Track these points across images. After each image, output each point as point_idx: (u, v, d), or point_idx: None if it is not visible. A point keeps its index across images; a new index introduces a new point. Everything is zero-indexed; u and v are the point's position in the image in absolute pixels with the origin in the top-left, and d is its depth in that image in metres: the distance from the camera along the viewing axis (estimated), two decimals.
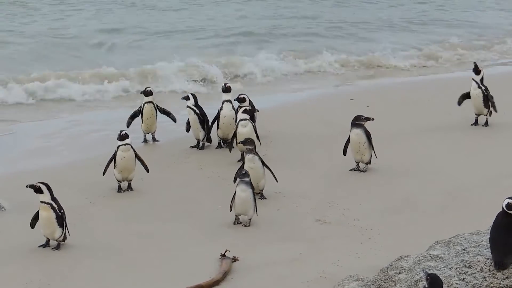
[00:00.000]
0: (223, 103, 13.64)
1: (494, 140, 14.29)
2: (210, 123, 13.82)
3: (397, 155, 13.41)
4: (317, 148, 13.93)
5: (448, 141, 14.22)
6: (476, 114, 15.07)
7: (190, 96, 13.86)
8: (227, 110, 13.58)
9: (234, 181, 10.79)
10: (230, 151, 13.23)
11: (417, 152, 13.65)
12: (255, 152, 11.50)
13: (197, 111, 13.73)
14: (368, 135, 12.57)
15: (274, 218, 11.03)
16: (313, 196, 11.67)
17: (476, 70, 14.89)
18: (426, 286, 6.65)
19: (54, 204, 10.01)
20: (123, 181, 12.02)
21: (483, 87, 14.81)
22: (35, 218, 10.11)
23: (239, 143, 11.56)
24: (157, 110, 14.25)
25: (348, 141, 12.66)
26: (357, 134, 12.54)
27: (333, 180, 12.41)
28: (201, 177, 12.65)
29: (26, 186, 10.07)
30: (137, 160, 11.98)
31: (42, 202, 10.00)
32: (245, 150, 11.59)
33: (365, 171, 12.64)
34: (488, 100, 14.80)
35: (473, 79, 14.92)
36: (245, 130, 12.85)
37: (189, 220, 11.01)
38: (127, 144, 11.91)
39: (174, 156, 13.70)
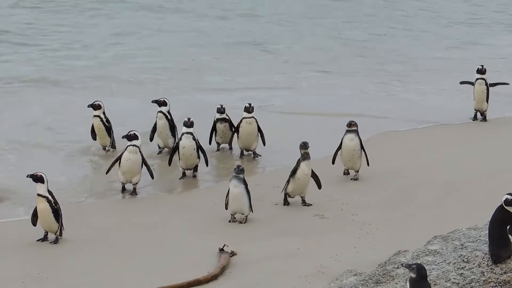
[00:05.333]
0: (182, 134, 12.67)
1: (492, 135, 14.30)
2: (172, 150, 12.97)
3: (395, 150, 13.40)
4: (314, 143, 13.90)
5: (447, 136, 14.22)
6: (475, 110, 15.17)
7: (167, 102, 13.43)
8: (187, 141, 12.56)
9: None
10: (230, 147, 13.42)
11: (416, 147, 13.64)
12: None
13: (169, 117, 13.40)
14: (360, 141, 12.14)
15: (272, 213, 11.02)
16: (311, 191, 11.64)
17: (482, 70, 15.02)
18: (413, 275, 6.67)
19: (50, 198, 9.99)
20: (127, 183, 11.81)
21: (488, 85, 14.98)
22: (35, 214, 10.08)
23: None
24: (105, 124, 13.36)
25: (339, 148, 12.22)
26: (352, 140, 12.09)
27: (331, 175, 12.37)
28: (201, 173, 12.62)
29: (27, 176, 10.05)
30: (143, 164, 11.72)
31: (38, 195, 9.98)
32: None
33: (356, 179, 12.24)
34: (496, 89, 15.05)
35: (478, 78, 15.02)
36: (250, 127, 13.05)
37: (188, 215, 11.00)
38: (135, 145, 11.63)
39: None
